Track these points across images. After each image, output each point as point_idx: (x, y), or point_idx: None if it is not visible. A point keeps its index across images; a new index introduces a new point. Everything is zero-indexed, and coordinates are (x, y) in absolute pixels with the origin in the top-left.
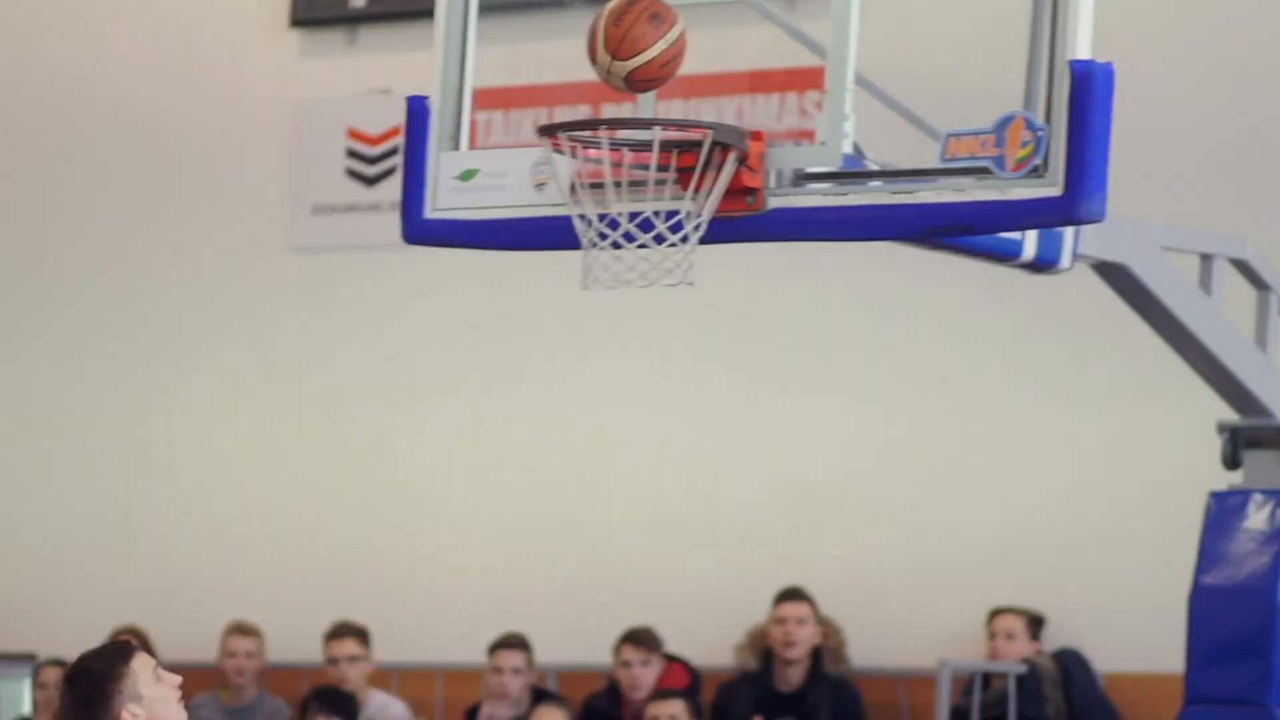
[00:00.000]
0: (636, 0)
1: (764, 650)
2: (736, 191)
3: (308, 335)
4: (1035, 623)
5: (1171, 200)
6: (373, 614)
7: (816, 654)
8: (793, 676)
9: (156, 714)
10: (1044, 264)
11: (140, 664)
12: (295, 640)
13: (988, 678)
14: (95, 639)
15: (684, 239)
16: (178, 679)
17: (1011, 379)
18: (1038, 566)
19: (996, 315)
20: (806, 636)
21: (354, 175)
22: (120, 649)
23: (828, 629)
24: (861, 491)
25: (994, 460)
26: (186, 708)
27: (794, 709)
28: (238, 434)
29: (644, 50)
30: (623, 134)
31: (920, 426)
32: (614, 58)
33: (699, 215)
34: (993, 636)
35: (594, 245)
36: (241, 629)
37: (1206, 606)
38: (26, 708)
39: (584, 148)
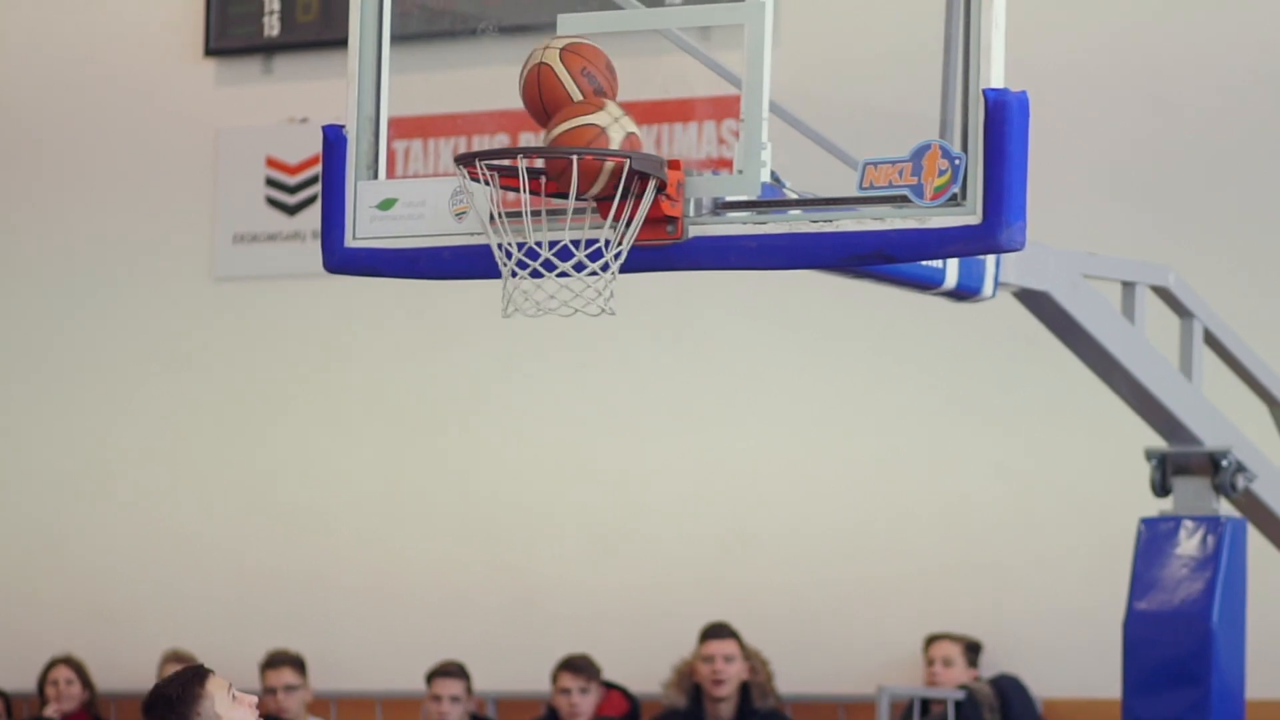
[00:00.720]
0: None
1: (693, 686)
2: (656, 220)
3: (232, 362)
4: (972, 649)
5: (1091, 228)
6: (310, 642)
7: (745, 688)
8: (723, 712)
9: None
10: (966, 292)
11: (215, 686)
12: (232, 669)
13: (926, 704)
14: (32, 668)
15: (604, 267)
16: (254, 699)
17: (942, 405)
18: (973, 592)
19: (925, 342)
20: (734, 673)
21: (274, 204)
22: (195, 673)
23: (755, 662)
24: (795, 518)
25: (926, 487)
26: None
27: None
28: (165, 461)
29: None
30: (540, 163)
31: (851, 453)
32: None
33: (619, 244)
34: (930, 663)
35: (514, 274)
36: (178, 657)
37: (1141, 632)
38: None
39: (502, 177)
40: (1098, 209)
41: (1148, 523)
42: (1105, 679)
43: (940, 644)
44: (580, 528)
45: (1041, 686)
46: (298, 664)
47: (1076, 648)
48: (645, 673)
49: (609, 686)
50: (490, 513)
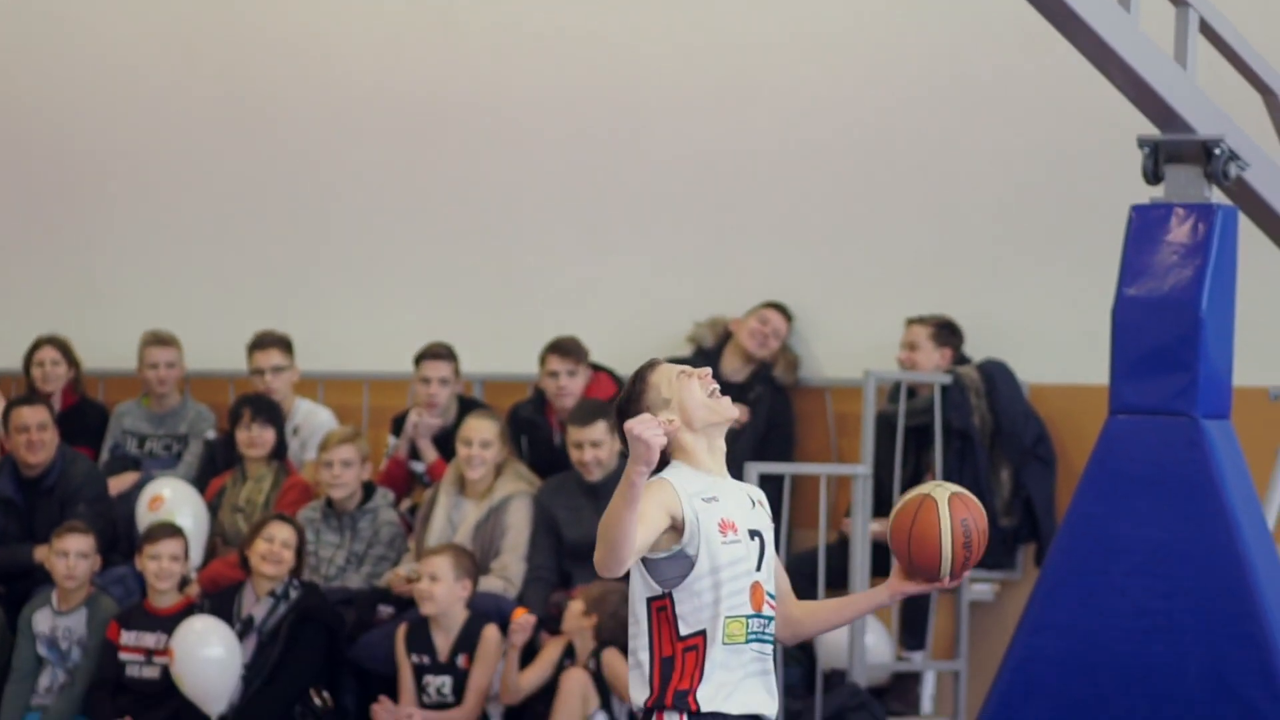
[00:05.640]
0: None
1: (726, 335)
2: None
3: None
4: (945, 329)
5: None
6: (298, 324)
7: (764, 364)
8: (740, 370)
9: (687, 411)
10: None
11: (658, 375)
12: (217, 349)
13: (912, 388)
14: (17, 348)
15: None
16: (702, 370)
17: (929, 84)
18: (962, 279)
19: (924, 32)
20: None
21: None
22: (641, 369)
23: (788, 352)
24: (786, 200)
25: (919, 173)
26: (110, 414)
27: (737, 396)
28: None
29: None
30: None
31: (843, 132)
32: None
33: None
34: (902, 347)
35: None
36: (159, 339)
37: (1130, 318)
38: None
39: None
40: None
41: (1139, 209)
42: (1093, 366)
43: (910, 329)
44: (570, 210)
45: (1029, 373)
46: (285, 345)
47: (1065, 335)
48: (634, 356)
49: (597, 369)
50: (481, 196)
